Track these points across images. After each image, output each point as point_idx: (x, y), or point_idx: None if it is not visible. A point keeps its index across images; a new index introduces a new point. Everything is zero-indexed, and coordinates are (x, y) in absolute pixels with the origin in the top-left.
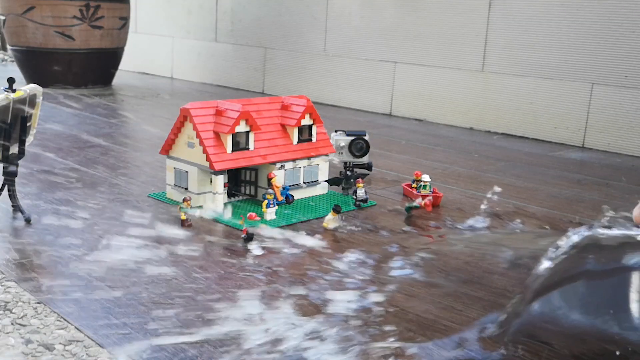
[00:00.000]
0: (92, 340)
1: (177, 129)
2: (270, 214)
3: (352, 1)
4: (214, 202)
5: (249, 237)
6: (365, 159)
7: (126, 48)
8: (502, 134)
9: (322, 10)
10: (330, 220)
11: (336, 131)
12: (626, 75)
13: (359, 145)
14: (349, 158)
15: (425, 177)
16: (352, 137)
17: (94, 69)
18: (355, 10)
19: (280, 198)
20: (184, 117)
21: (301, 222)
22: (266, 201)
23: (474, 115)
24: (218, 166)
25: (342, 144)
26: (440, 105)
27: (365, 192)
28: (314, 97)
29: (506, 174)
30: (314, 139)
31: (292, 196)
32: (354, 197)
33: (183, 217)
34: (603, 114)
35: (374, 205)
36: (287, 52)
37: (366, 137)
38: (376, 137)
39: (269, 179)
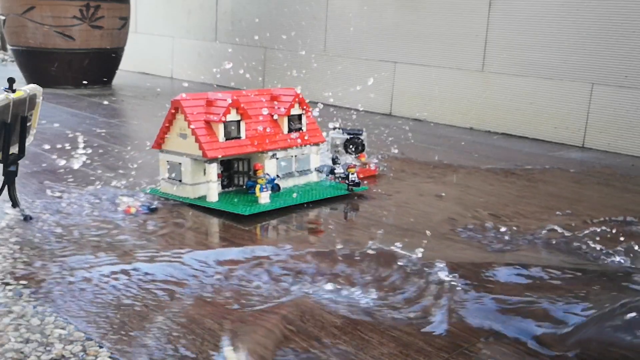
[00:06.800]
0: (92, 340)
1: (169, 122)
2: (264, 197)
3: (352, 1)
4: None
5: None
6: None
7: (126, 48)
8: (502, 134)
9: (322, 10)
10: None
11: (334, 129)
12: (626, 75)
13: (354, 144)
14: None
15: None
16: (348, 136)
17: (94, 69)
18: (355, 10)
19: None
20: (175, 108)
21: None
22: (259, 186)
23: (474, 115)
24: (211, 154)
25: (337, 142)
26: (440, 105)
27: (357, 176)
28: (314, 96)
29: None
30: (304, 128)
31: (279, 185)
32: (347, 181)
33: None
34: (603, 114)
35: (366, 190)
36: (287, 52)
37: (362, 136)
38: (376, 137)
39: (255, 170)
